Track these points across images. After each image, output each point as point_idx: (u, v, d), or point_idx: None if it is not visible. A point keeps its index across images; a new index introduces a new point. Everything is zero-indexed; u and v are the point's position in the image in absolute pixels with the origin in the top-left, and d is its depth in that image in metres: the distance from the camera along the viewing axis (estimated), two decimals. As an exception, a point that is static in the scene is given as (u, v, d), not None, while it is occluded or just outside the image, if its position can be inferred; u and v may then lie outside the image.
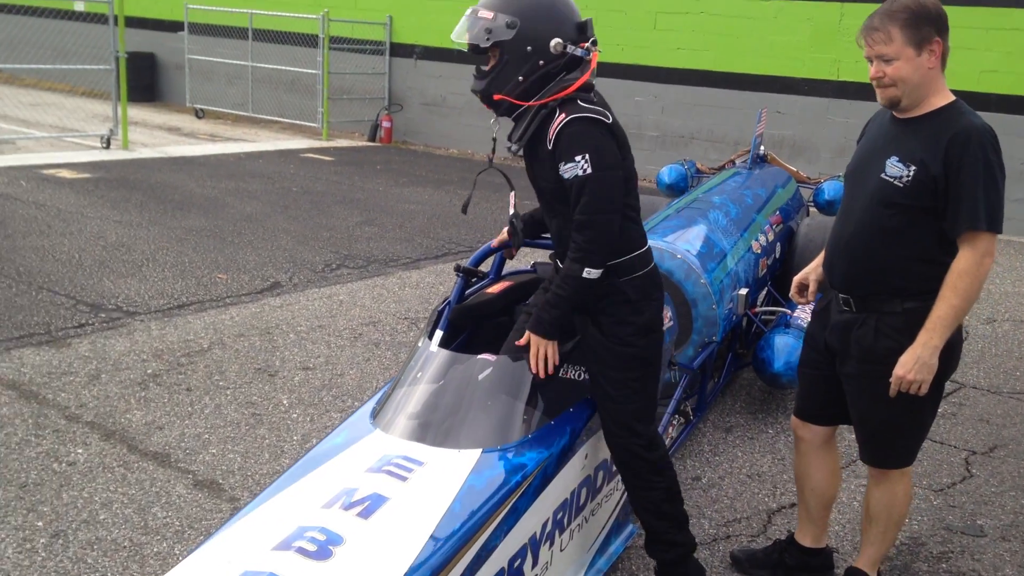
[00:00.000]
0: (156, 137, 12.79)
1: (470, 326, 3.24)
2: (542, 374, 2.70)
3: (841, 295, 2.81)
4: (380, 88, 14.42)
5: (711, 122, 11.75)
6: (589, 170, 2.61)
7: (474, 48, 2.69)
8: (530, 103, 2.69)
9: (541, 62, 2.67)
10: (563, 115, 2.62)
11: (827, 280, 2.91)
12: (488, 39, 2.63)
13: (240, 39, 14.95)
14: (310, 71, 14.07)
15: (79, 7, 15.28)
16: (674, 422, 3.96)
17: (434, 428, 2.59)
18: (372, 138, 14.09)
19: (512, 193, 2.94)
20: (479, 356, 2.78)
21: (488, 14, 2.62)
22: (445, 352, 2.76)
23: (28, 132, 11.85)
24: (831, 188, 6.03)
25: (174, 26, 15.64)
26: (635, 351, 2.78)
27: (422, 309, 6.00)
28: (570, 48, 2.70)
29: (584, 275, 2.65)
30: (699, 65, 11.68)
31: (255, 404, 4.36)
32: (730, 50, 11.33)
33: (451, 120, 13.84)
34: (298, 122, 14.55)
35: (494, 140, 2.87)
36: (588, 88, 2.73)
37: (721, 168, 6.54)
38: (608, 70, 12.26)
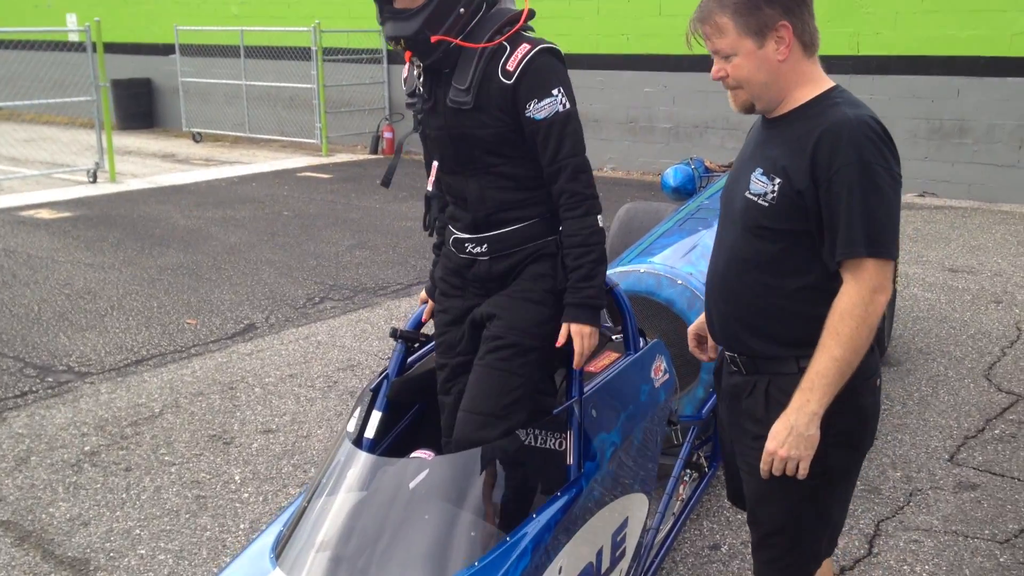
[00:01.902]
0: (148, 166, 12.33)
1: (418, 402, 2.64)
2: (581, 365, 2.27)
3: (726, 352, 2.14)
4: (380, 98, 13.87)
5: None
6: (568, 104, 2.23)
7: None
8: (484, 44, 2.20)
9: None
10: (526, 46, 2.24)
11: (708, 332, 2.23)
12: None
13: (233, 57, 14.48)
14: (306, 86, 13.55)
15: (73, 37, 14.92)
16: (685, 478, 3.32)
17: (351, 566, 1.98)
18: (374, 150, 13.54)
19: (435, 164, 2.45)
20: (412, 456, 2.18)
21: None
22: (366, 456, 2.15)
23: (15, 171, 11.43)
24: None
25: (168, 49, 15.21)
26: (548, 312, 2.32)
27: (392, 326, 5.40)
28: None
29: (601, 224, 2.26)
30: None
31: (201, 483, 3.79)
32: (741, 31, 10.63)
33: (454, 126, 13.23)
34: (297, 139, 14.04)
35: (419, 97, 2.35)
36: (529, 16, 2.31)
37: (731, 165, 5.87)
38: (615, 62, 11.61)
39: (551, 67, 2.24)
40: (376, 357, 5.25)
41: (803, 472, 1.93)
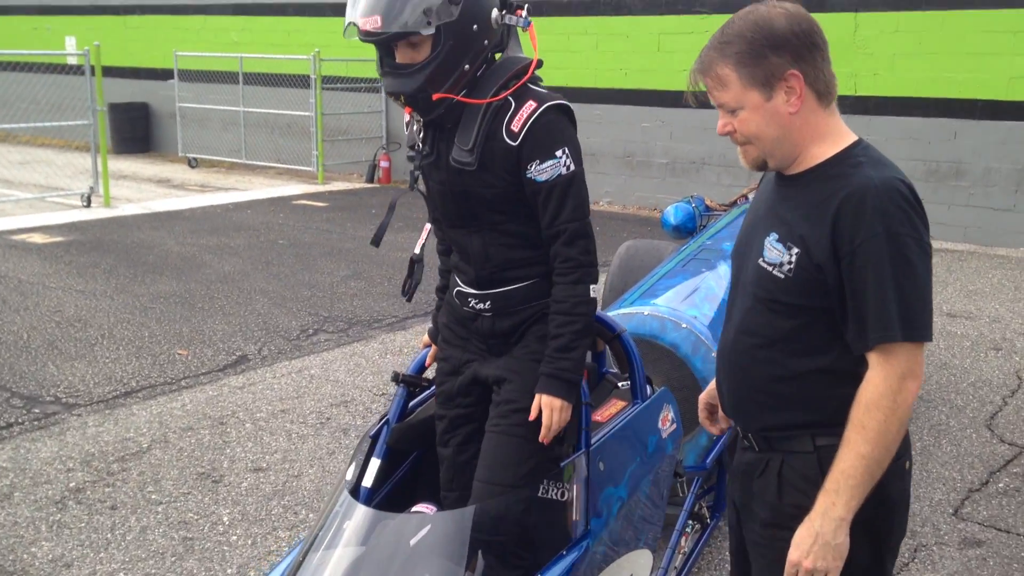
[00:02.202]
0: (143, 191, 12.26)
1: (419, 448, 2.56)
2: (548, 440, 2.15)
3: (738, 427, 1.96)
4: (377, 127, 13.87)
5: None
6: (573, 167, 2.11)
7: (393, 37, 2.05)
8: (488, 99, 2.08)
9: (486, 41, 2.10)
10: (532, 104, 2.12)
11: (720, 405, 2.05)
12: (429, 23, 2.01)
13: (231, 84, 14.47)
14: (304, 113, 13.54)
15: (72, 61, 14.91)
16: (687, 530, 3.24)
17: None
18: (370, 179, 13.50)
19: (427, 227, 2.42)
20: (412, 510, 2.10)
21: None
22: (364, 510, 2.07)
23: (9, 194, 11.35)
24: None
25: (166, 74, 15.20)
26: None
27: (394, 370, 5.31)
28: (508, 18, 2.15)
29: (592, 295, 2.13)
30: (707, 87, 11.00)
31: (189, 524, 3.68)
32: (739, 69, 10.66)
33: (451, 157, 13.22)
34: (294, 167, 14.00)
35: (418, 153, 2.25)
36: (537, 66, 2.18)
37: (733, 204, 5.84)
38: (613, 96, 11.63)
39: (557, 126, 2.12)
40: (370, 393, 5.17)
41: None
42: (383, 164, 13.47)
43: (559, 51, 11.87)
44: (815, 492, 1.73)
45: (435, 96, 2.08)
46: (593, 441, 2.25)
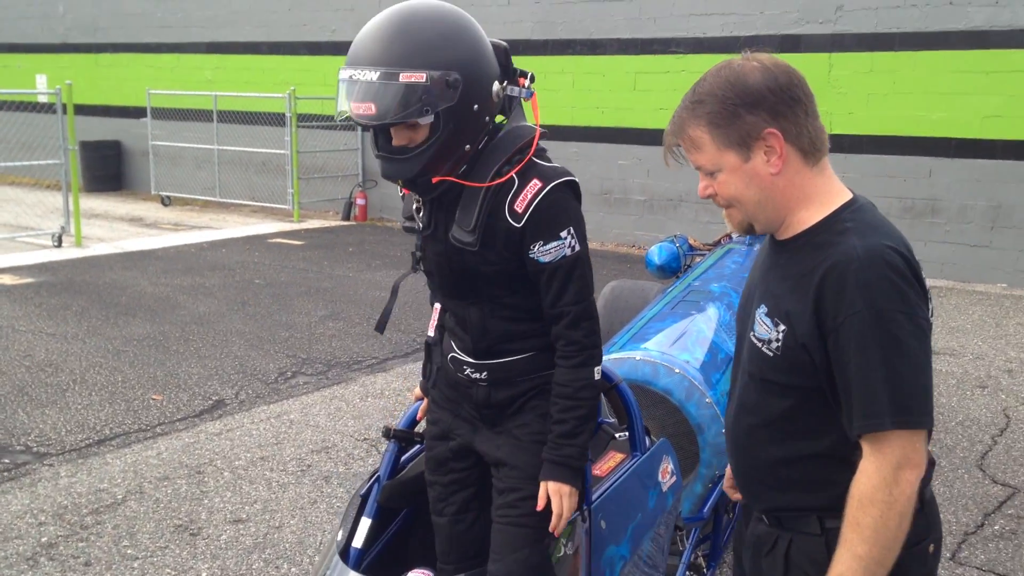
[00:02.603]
0: (115, 230, 12.09)
1: (411, 505, 2.46)
2: (559, 530, 2.04)
3: (749, 504, 1.87)
4: (353, 164, 13.82)
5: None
6: (578, 247, 2.02)
7: (389, 124, 1.91)
8: (490, 183, 1.96)
9: (487, 118, 1.98)
10: (537, 183, 1.98)
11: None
12: (427, 111, 1.86)
13: (206, 122, 14.39)
14: (279, 151, 13.47)
15: (43, 99, 14.76)
16: (684, 581, 3.15)
17: None
18: (346, 216, 13.42)
19: (438, 307, 2.28)
20: (408, 575, 2.00)
21: (415, 75, 1.84)
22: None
23: (-23, 233, 11.15)
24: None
25: (139, 112, 15.09)
26: None
27: (384, 424, 5.20)
28: (510, 90, 2.05)
29: (596, 377, 2.04)
30: (684, 125, 11.08)
31: (166, 580, 3.54)
32: (715, 107, 10.74)
33: (428, 194, 13.18)
34: (269, 204, 13.90)
35: (417, 230, 2.13)
36: (540, 137, 2.06)
37: (717, 243, 5.82)
38: (590, 134, 11.67)
39: (562, 206, 1.99)
40: (352, 438, 5.05)
41: None
42: (359, 201, 13.40)
43: (537, 89, 11.89)
44: (819, 574, 1.60)
45: (435, 179, 1.96)
46: (594, 498, 2.17)
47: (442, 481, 2.22)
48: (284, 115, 13.11)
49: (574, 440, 2.01)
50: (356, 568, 2.15)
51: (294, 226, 12.70)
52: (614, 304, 5.12)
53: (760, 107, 1.61)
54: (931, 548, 1.70)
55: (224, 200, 14.34)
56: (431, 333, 2.28)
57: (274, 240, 11.47)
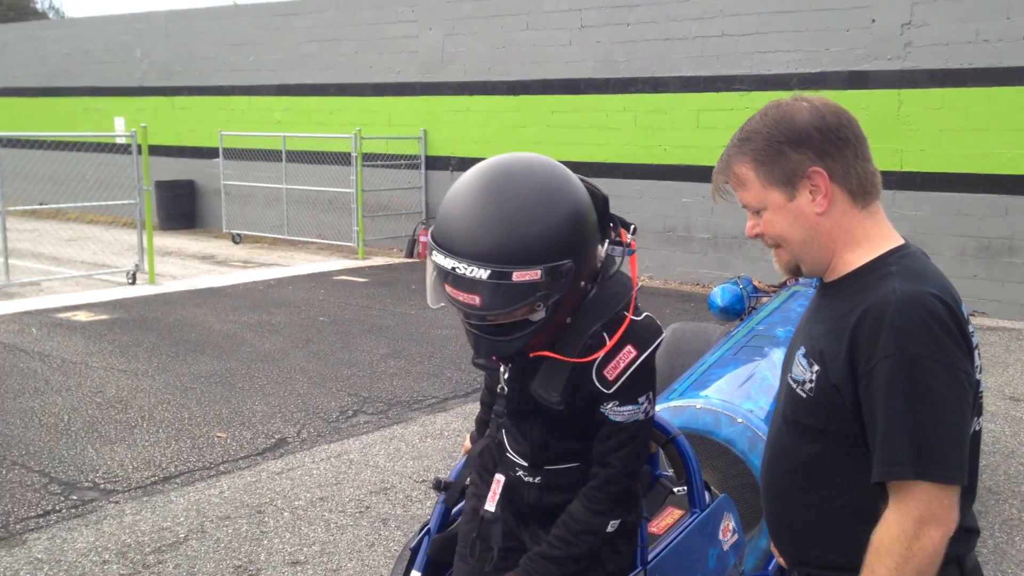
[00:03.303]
0: (188, 268, 12.41)
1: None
2: None
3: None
4: (417, 202, 13.99)
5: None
6: (649, 412, 1.93)
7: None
8: (589, 358, 1.84)
9: (589, 286, 1.86)
10: (631, 351, 1.86)
11: None
12: (539, 306, 1.73)
13: (275, 161, 14.74)
14: (345, 190, 13.71)
15: (120, 140, 15.31)
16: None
17: None
18: (410, 254, 13.57)
19: (501, 479, 2.06)
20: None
21: (529, 273, 1.68)
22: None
23: (57, 271, 11.55)
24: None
25: (212, 153, 15.54)
26: (610, 568, 2.06)
27: (443, 466, 5.19)
28: (612, 250, 1.90)
29: (609, 530, 1.93)
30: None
31: (224, 623, 3.56)
32: (781, 145, 10.60)
33: (491, 232, 13.26)
34: (335, 242, 14.13)
35: (500, 393, 2.00)
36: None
37: (783, 285, 5.70)
38: (653, 172, 11.62)
39: (648, 372, 1.90)
40: (410, 480, 5.04)
41: None
42: (423, 239, 13.53)
43: (599, 127, 11.94)
44: None
45: (532, 355, 1.85)
46: (650, 559, 2.10)
47: (475, 569, 2.09)
48: (350, 154, 13.36)
49: (556, 567, 1.92)
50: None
51: (358, 263, 12.88)
52: (675, 347, 5.04)
53: (806, 146, 1.60)
54: None
55: (292, 237, 14.62)
56: (491, 508, 2.06)
57: (339, 277, 11.63)
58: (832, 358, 1.55)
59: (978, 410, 1.61)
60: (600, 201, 1.89)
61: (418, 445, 5.61)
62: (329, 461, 5.31)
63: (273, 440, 5.64)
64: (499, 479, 2.01)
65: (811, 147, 1.59)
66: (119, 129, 16.63)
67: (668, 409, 3.44)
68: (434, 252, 1.74)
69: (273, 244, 14.79)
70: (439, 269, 1.73)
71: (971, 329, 1.56)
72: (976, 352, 1.57)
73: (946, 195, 9.60)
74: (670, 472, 2.72)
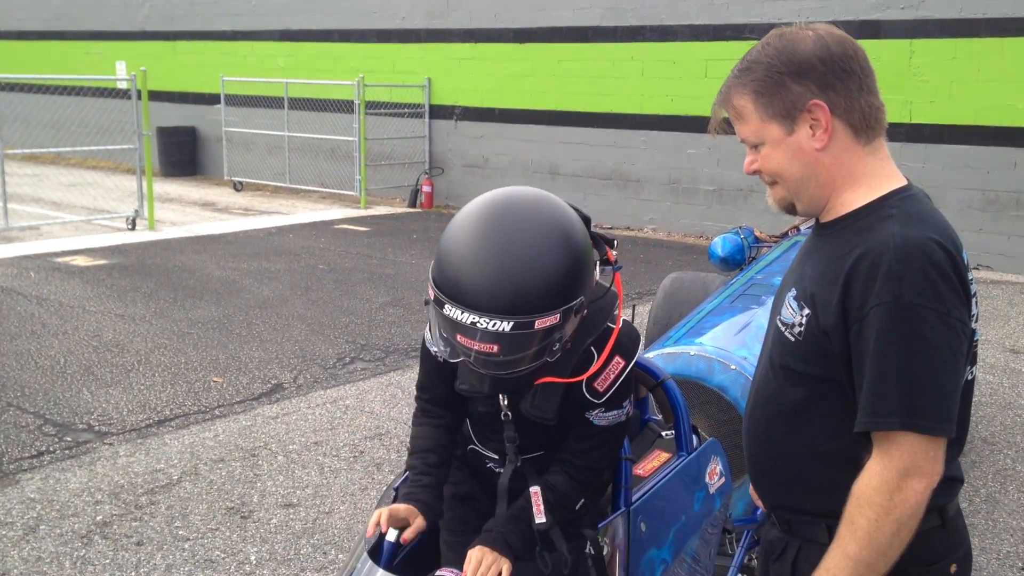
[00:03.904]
0: (188, 214, 12.35)
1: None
2: None
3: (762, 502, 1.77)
4: (420, 152, 13.85)
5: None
6: (630, 411, 1.97)
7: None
8: (583, 376, 1.86)
9: (586, 309, 1.83)
10: (620, 362, 1.88)
11: None
12: (557, 348, 1.73)
13: (277, 108, 14.59)
14: (347, 138, 13.58)
15: (121, 85, 15.15)
16: (737, 583, 3.03)
17: None
18: (412, 204, 13.48)
19: (538, 491, 1.95)
20: (438, 573, 1.94)
21: (550, 319, 1.67)
22: (382, 574, 1.92)
23: (56, 216, 11.50)
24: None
25: (214, 99, 15.38)
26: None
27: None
28: (600, 269, 1.88)
29: (578, 508, 1.95)
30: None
31: (215, 563, 3.56)
32: (789, 95, 10.43)
33: (494, 182, 13.14)
34: (337, 191, 14.03)
35: (489, 404, 1.97)
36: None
37: (784, 235, 5.63)
38: (659, 122, 11.48)
39: (631, 377, 1.93)
40: (405, 425, 5.03)
41: None
42: (425, 188, 13.44)
43: (606, 77, 11.77)
44: None
45: (536, 381, 1.85)
46: (634, 499, 2.08)
47: (463, 542, 2.02)
48: (353, 102, 13.20)
49: (528, 529, 1.90)
50: (388, 562, 2.11)
51: (360, 212, 12.80)
52: (672, 297, 4.99)
53: (808, 77, 1.51)
54: (952, 568, 1.58)
55: (294, 186, 14.53)
56: (543, 520, 1.95)
57: (340, 226, 11.57)
58: (824, 303, 1.49)
59: (972, 359, 1.56)
60: (586, 223, 1.86)
61: (414, 393, 5.58)
62: (324, 407, 5.30)
63: (269, 385, 5.63)
64: (536, 491, 1.94)
65: (813, 78, 1.51)
66: (120, 74, 16.46)
67: (662, 356, 3.40)
68: (446, 306, 1.66)
69: (275, 192, 14.71)
70: (453, 323, 1.66)
71: (970, 277, 1.50)
72: (974, 300, 1.51)
73: (955, 148, 9.46)
74: (659, 416, 2.69)
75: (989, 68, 9.19)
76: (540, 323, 1.64)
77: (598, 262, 1.86)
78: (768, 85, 1.53)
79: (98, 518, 3.89)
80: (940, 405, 1.42)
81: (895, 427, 1.42)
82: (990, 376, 5.89)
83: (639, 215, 11.83)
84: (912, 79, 9.58)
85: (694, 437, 2.48)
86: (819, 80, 1.51)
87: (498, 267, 1.63)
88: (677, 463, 2.34)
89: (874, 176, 1.55)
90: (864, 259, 1.44)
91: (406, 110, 13.71)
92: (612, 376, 1.86)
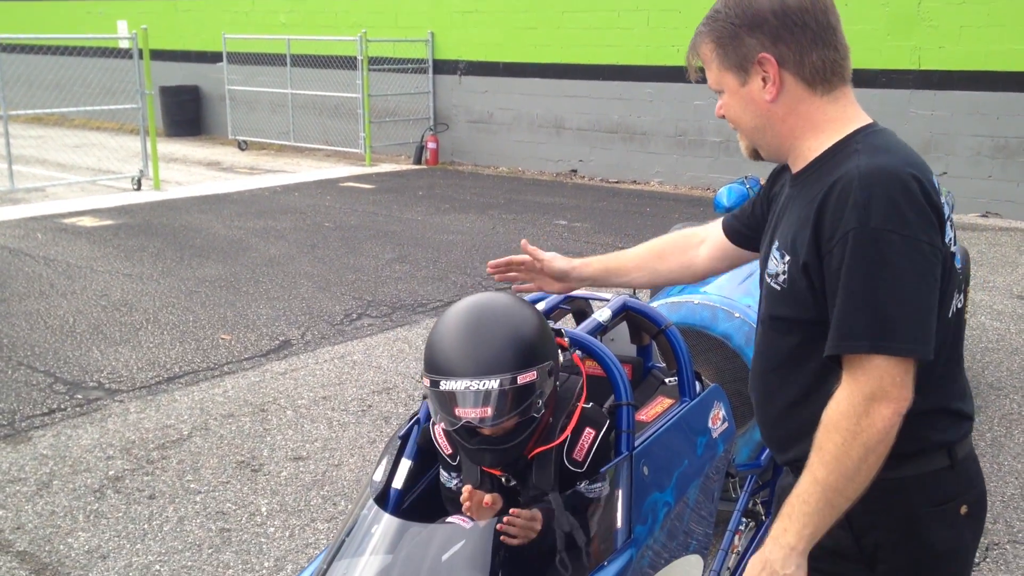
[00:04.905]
0: (193, 174, 12.33)
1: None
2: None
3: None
4: (424, 108, 13.75)
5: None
6: (608, 490, 2.06)
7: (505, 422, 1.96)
8: (558, 441, 2.04)
9: (558, 384, 2.05)
10: (590, 432, 2.07)
11: None
12: (539, 405, 1.92)
13: (280, 66, 14.48)
14: (351, 95, 13.48)
15: (123, 44, 15.04)
16: (741, 528, 3.06)
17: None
18: (418, 160, 13.41)
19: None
20: (446, 520, 1.96)
21: (529, 375, 1.88)
22: (389, 519, 1.94)
23: (61, 177, 11.50)
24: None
25: (216, 57, 15.27)
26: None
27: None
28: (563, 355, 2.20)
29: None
30: (762, 62, 10.68)
31: (227, 515, 3.61)
32: (796, 44, 10.27)
33: (499, 137, 13.07)
34: (341, 148, 13.97)
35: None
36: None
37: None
38: (665, 74, 11.34)
39: (608, 449, 2.08)
40: (412, 380, 5.06)
41: None
42: (431, 145, 13.37)
43: (611, 28, 11.62)
44: (834, 529, 1.51)
45: (531, 455, 2.03)
46: (636, 444, 2.09)
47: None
48: (356, 58, 13.09)
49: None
50: (395, 509, 2.13)
51: (366, 170, 12.75)
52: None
53: (760, 31, 1.55)
54: (963, 510, 1.58)
55: (298, 144, 14.47)
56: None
57: (345, 184, 11.53)
58: (801, 242, 1.52)
59: (957, 285, 1.56)
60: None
61: (421, 347, 5.57)
62: (332, 362, 5.33)
63: (277, 342, 5.66)
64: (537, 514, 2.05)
65: (766, 32, 1.54)
66: (122, 33, 16.32)
67: (666, 305, 3.40)
68: (441, 382, 1.87)
69: (279, 151, 14.65)
70: (448, 395, 1.87)
71: (943, 200, 1.51)
72: (949, 223, 1.51)
73: (964, 94, 9.33)
74: (663, 364, 2.70)
75: (998, 12, 9.03)
76: (522, 379, 1.86)
77: (559, 349, 2.07)
78: (725, 36, 1.57)
79: (110, 473, 3.94)
80: (908, 327, 1.42)
81: (863, 350, 1.43)
82: (997, 322, 5.88)
83: (645, 168, 11.76)
84: (921, 24, 9.43)
85: (697, 383, 2.49)
86: (771, 33, 1.54)
87: (477, 341, 1.89)
88: (680, 408, 2.36)
89: (836, 121, 1.57)
90: (832, 191, 1.47)
91: (410, 65, 13.59)
92: (587, 445, 2.03)
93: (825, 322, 1.50)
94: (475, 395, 1.85)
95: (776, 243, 1.61)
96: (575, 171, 12.37)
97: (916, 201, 1.44)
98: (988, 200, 9.23)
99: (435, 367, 1.90)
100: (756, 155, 1.69)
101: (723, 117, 1.67)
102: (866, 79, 9.80)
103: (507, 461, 2.00)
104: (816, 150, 1.58)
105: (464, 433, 1.92)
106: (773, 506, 1.82)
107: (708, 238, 2.08)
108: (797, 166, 1.62)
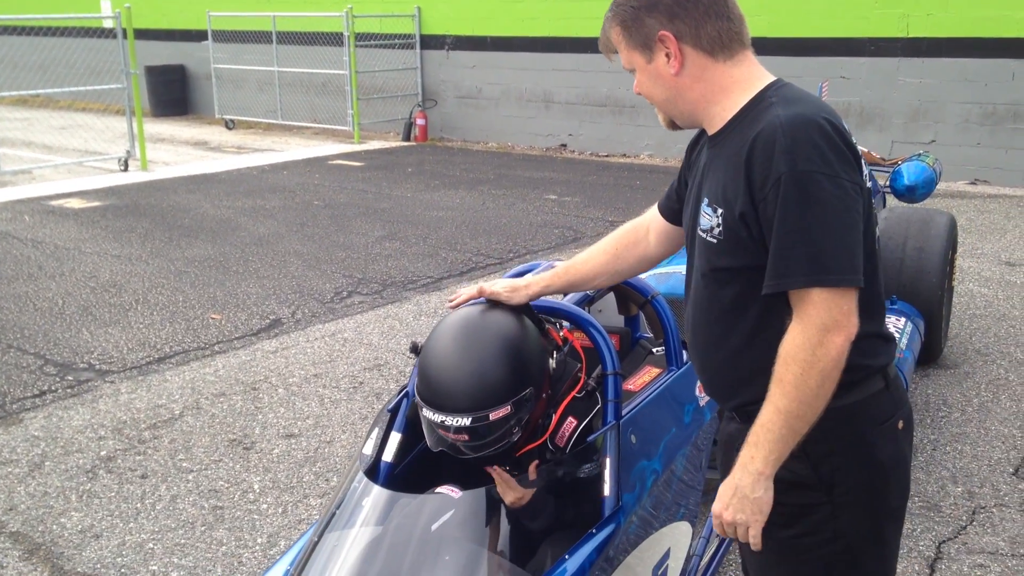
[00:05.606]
0: (180, 154, 12.26)
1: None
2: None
3: (718, 404, 1.90)
4: (412, 84, 13.67)
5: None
6: (597, 470, 2.16)
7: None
8: (546, 435, 2.16)
9: (550, 391, 2.14)
10: (572, 421, 2.16)
11: None
12: (515, 431, 2.02)
13: (265, 43, 14.36)
14: (338, 72, 13.39)
15: (107, 24, 14.88)
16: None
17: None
18: (407, 137, 13.35)
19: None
20: (435, 491, 1.98)
21: (501, 411, 1.97)
22: (379, 491, 1.95)
23: (48, 159, 11.42)
24: (912, 171, 5.03)
25: (201, 36, 15.14)
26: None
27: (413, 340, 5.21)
28: (557, 356, 2.19)
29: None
30: (753, 31, 10.59)
31: (219, 492, 3.62)
32: (786, 13, 10.23)
33: (488, 112, 13.01)
34: (330, 126, 13.90)
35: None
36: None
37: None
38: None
39: (592, 432, 2.16)
40: (403, 356, 5.07)
41: (755, 542, 1.63)
42: (419, 122, 13.30)
43: (597, 0, 11.54)
44: (792, 464, 1.63)
45: (517, 453, 2.11)
46: (624, 413, 2.10)
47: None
48: (342, 34, 12.98)
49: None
50: (385, 481, 2.15)
51: (354, 147, 12.70)
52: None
53: (657, 11, 1.67)
54: (900, 424, 1.72)
55: (286, 122, 14.38)
56: None
57: (334, 162, 11.48)
58: (734, 192, 1.61)
59: (873, 220, 1.68)
60: (535, 319, 2.15)
61: (412, 323, 5.62)
62: (323, 340, 5.33)
63: (268, 321, 5.66)
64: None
65: (662, 11, 1.67)
66: (105, 12, 16.15)
67: (654, 276, 3.40)
68: (424, 409, 2.00)
69: (267, 129, 14.57)
70: (431, 421, 2.00)
71: (855, 141, 1.63)
72: (862, 163, 1.63)
73: (952, 61, 9.32)
74: (650, 334, 2.71)
75: (988, -22, 9.00)
76: (494, 415, 1.96)
77: (554, 351, 2.14)
78: (628, 19, 1.70)
79: (102, 453, 3.94)
80: (843, 259, 1.54)
81: (801, 284, 1.54)
82: (985, 289, 5.90)
83: (635, 141, 11.73)
84: (909, -8, 9.39)
85: (684, 353, 2.50)
86: (667, 12, 1.67)
87: (455, 376, 1.98)
88: (667, 378, 2.37)
89: (743, 82, 1.69)
90: (758, 141, 1.57)
91: (397, 41, 13.50)
92: (568, 432, 2.13)
93: (764, 267, 1.60)
94: (452, 428, 1.97)
95: (705, 200, 1.69)
96: (565, 145, 12.33)
97: (835, 144, 1.55)
98: (977, 167, 9.24)
99: (420, 392, 2.03)
100: (673, 125, 1.81)
101: (640, 94, 1.76)
102: (854, 47, 9.78)
103: (480, 457, 2.05)
104: (731, 109, 1.68)
105: (449, 448, 2.03)
106: (719, 455, 1.87)
107: (651, 225, 2.13)
108: (714, 127, 1.72)
